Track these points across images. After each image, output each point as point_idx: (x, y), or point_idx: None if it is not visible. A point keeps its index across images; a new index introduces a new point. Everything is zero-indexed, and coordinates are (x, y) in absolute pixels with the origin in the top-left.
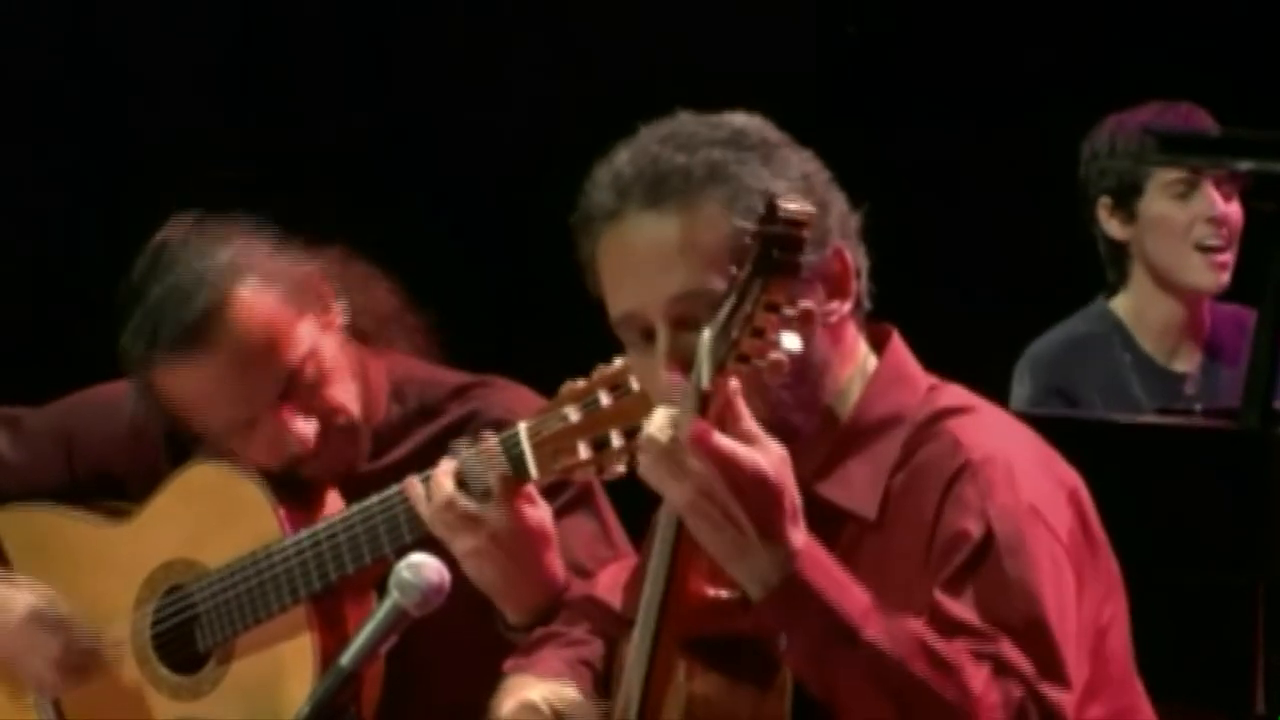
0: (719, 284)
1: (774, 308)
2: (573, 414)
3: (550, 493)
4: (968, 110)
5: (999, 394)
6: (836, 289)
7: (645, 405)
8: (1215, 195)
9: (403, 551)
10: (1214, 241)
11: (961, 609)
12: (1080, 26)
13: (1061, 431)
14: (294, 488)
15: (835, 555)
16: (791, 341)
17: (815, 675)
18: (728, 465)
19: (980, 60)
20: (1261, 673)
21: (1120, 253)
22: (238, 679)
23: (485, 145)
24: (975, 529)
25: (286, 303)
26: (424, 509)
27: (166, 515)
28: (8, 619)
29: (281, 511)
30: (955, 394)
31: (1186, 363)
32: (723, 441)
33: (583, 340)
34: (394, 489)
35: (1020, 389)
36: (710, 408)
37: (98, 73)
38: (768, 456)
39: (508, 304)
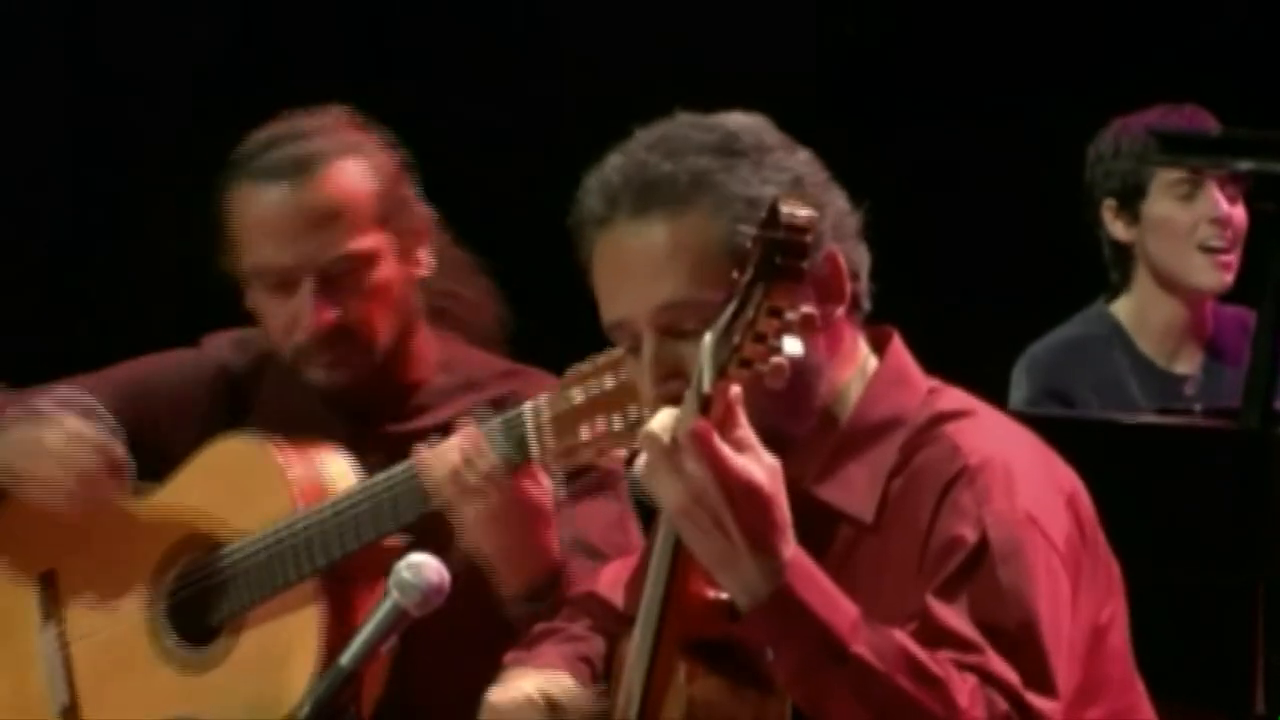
0: (707, 294)
1: (776, 313)
2: (577, 396)
3: (575, 476)
4: (967, 110)
5: (999, 395)
6: (829, 292)
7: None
8: (1219, 196)
9: (426, 518)
10: (1217, 242)
11: (951, 616)
12: (1080, 26)
13: (1061, 431)
14: (308, 459)
15: (831, 558)
16: (794, 346)
17: (802, 688)
18: (723, 471)
19: (980, 60)
20: (1261, 673)
21: (1124, 255)
22: (246, 651)
23: (485, 145)
24: (970, 535)
25: (379, 203)
26: (427, 477)
27: (187, 489)
28: (39, 432)
29: (295, 487)
30: (955, 397)
31: (1188, 364)
32: (721, 446)
33: (583, 340)
34: (398, 467)
35: (1018, 390)
36: (711, 411)
37: (98, 72)
38: (762, 467)
39: (507, 303)
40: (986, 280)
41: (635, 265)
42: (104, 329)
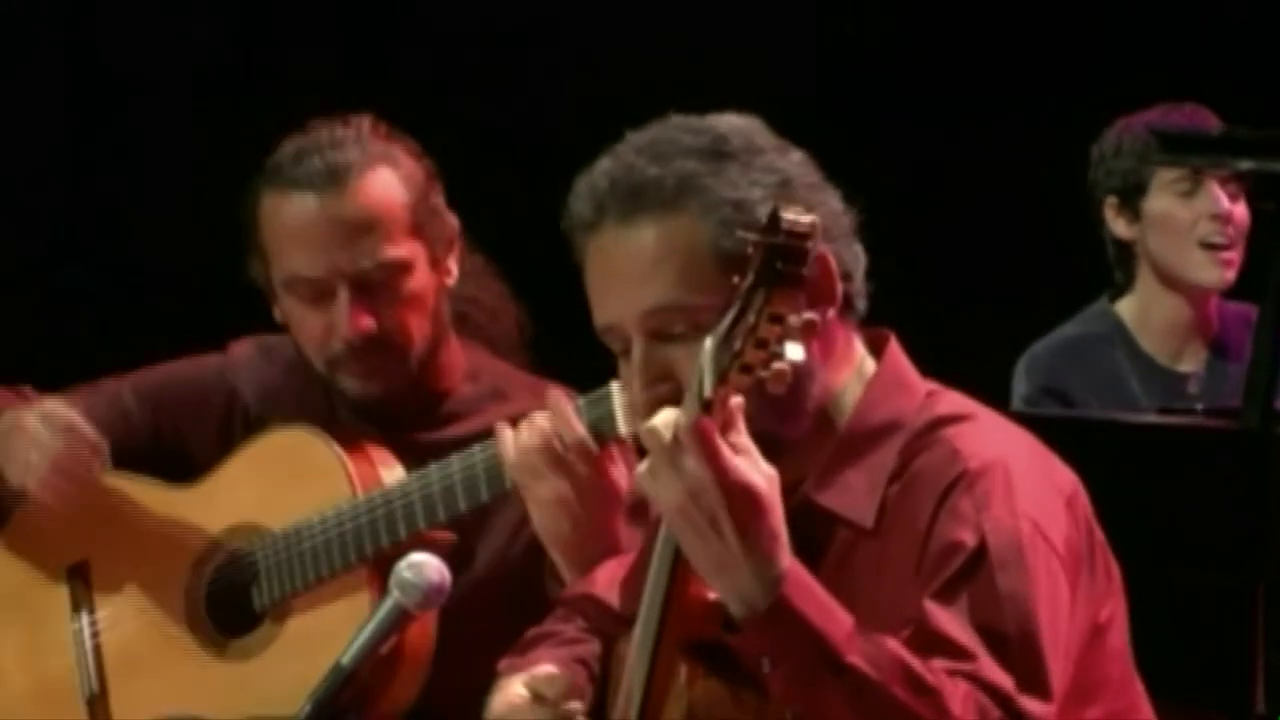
0: (695, 297)
1: (778, 319)
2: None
3: None
4: (967, 110)
5: (1000, 396)
6: (819, 294)
7: None
8: (1220, 193)
9: (477, 510)
10: (1218, 239)
11: (947, 621)
12: (1081, 26)
13: (1061, 431)
14: (362, 453)
15: (830, 562)
16: (795, 351)
17: (798, 699)
18: (722, 470)
19: (980, 60)
20: (1261, 673)
21: (1127, 253)
22: (290, 638)
23: (485, 145)
24: (969, 540)
25: (413, 212)
26: (510, 450)
27: (237, 479)
28: (18, 414)
29: (356, 474)
30: (953, 401)
31: (1192, 363)
32: (721, 445)
33: (583, 341)
34: (475, 449)
35: (1018, 388)
36: (712, 416)
37: (98, 72)
38: (760, 473)
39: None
40: (987, 280)
41: (623, 270)
42: (103, 330)
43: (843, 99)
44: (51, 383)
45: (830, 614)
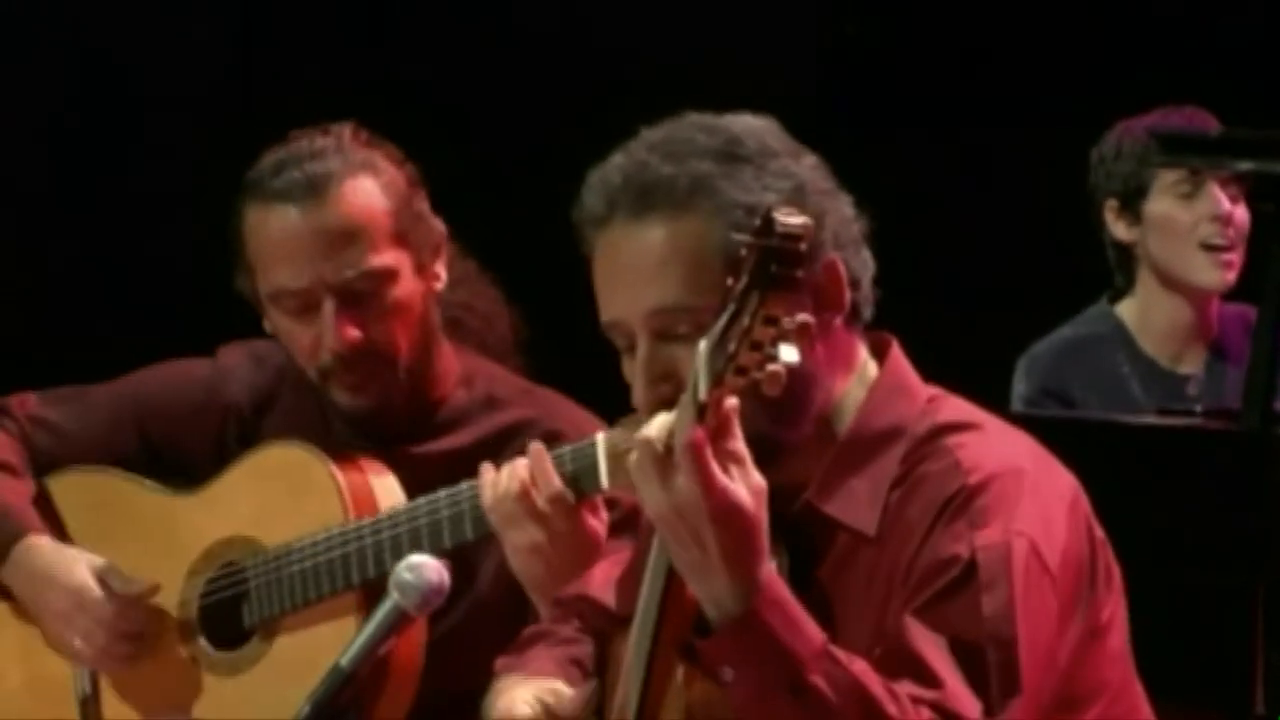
0: (702, 299)
1: (772, 321)
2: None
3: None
4: (968, 112)
5: (1001, 398)
6: (827, 300)
7: None
8: (1220, 195)
9: (462, 547)
10: (1219, 240)
11: (924, 642)
12: (1082, 28)
13: (1061, 432)
14: (359, 472)
15: (829, 566)
16: (790, 354)
17: (755, 712)
18: (709, 490)
19: (980, 62)
20: (1261, 673)
21: (1127, 255)
22: (278, 658)
23: (484, 146)
24: (960, 559)
25: (395, 219)
26: (489, 495)
27: (234, 491)
28: (68, 577)
29: (350, 499)
30: (956, 407)
31: (1192, 364)
32: (711, 464)
33: (584, 340)
34: (462, 485)
35: (1018, 388)
36: (706, 420)
37: (98, 72)
38: (749, 487)
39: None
40: (988, 283)
41: (631, 267)
42: (103, 330)
43: (843, 101)
44: (51, 381)
45: (799, 631)
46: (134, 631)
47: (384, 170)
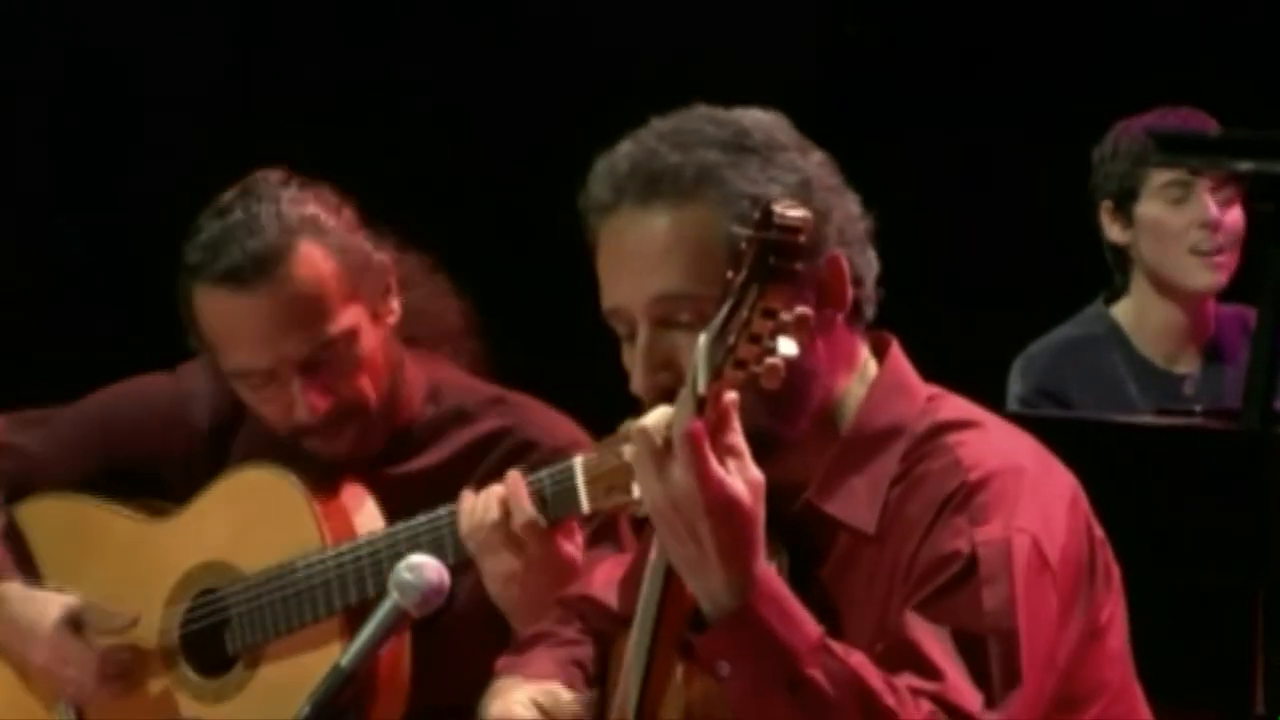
0: (704, 288)
1: (771, 314)
2: (629, 452)
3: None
4: (968, 112)
5: (997, 398)
6: (829, 297)
7: None
8: (1209, 200)
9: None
10: (1207, 246)
11: (925, 636)
12: (1082, 28)
13: (1060, 432)
14: (334, 495)
15: (830, 565)
16: (788, 347)
17: (752, 707)
18: (706, 484)
19: (980, 62)
20: (1261, 673)
21: (1122, 257)
22: (263, 685)
23: (484, 145)
24: (960, 554)
25: (346, 277)
26: (465, 522)
27: (209, 516)
28: (44, 628)
29: (325, 523)
30: (956, 406)
31: (1188, 364)
32: (709, 457)
33: (584, 339)
34: (441, 510)
35: (1014, 388)
36: (705, 413)
37: (97, 72)
38: (746, 481)
39: (508, 301)
40: (988, 283)
41: (635, 254)
42: (103, 330)
43: (843, 102)
44: (51, 387)
45: (796, 625)
46: (120, 673)
47: (324, 225)
